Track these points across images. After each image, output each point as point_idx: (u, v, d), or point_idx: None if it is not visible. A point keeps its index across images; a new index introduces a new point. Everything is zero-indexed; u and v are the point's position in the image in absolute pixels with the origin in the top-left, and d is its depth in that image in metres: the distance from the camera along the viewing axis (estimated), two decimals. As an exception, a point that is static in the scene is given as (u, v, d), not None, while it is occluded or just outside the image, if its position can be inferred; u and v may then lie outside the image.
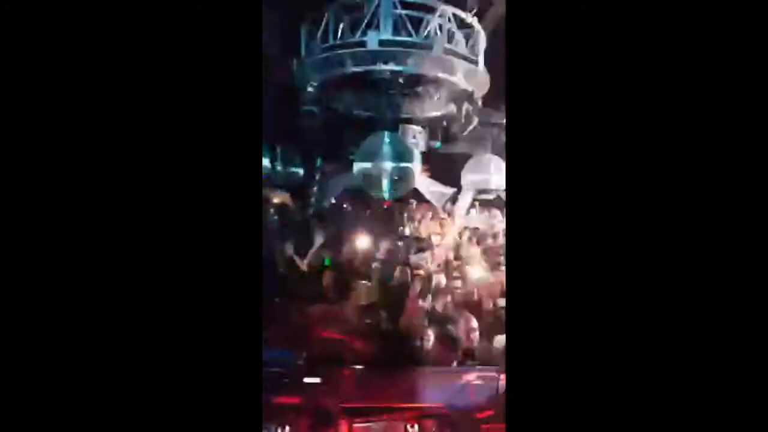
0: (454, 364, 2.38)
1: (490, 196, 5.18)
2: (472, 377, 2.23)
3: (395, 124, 4.60)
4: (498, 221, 5.18)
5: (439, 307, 3.08)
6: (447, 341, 2.50)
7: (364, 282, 3.35)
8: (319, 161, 5.65)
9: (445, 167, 5.36)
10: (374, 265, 3.97)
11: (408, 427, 1.78)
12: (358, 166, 4.26)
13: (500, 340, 2.70)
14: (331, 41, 3.89)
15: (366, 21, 3.74)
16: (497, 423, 1.91)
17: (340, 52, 3.87)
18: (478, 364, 2.28)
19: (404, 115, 4.87)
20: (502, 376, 2.22)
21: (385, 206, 5.60)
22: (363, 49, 3.79)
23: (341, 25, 3.87)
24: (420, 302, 2.96)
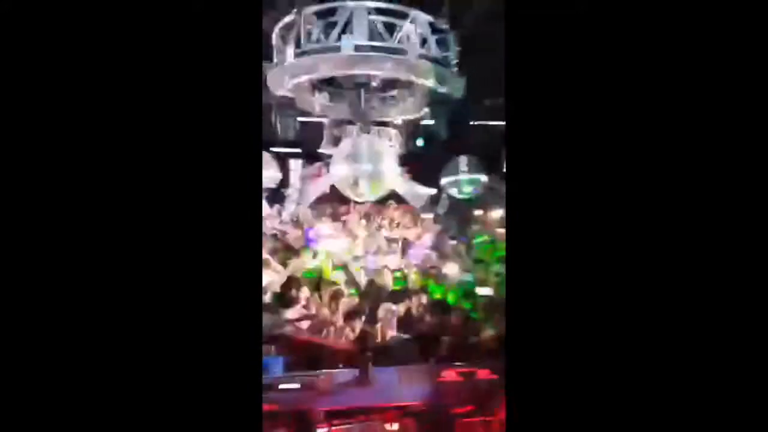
0: (433, 362, 2.43)
1: (468, 195, 5.29)
2: (450, 374, 2.27)
3: (371, 127, 4.64)
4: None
5: (414, 308, 3.14)
6: (424, 340, 2.54)
7: (341, 287, 3.37)
8: (296, 165, 5.63)
9: (423, 168, 5.44)
10: (352, 269, 3.99)
11: (387, 426, 1.81)
12: (335, 169, 4.27)
13: (485, 334, 2.76)
14: (304, 46, 3.90)
15: (341, 27, 3.77)
16: (476, 417, 1.96)
17: (314, 56, 3.88)
18: (458, 361, 2.33)
19: (380, 118, 4.91)
20: (480, 372, 2.28)
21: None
22: (338, 53, 3.81)
23: (315, 30, 3.88)
24: (395, 305, 3.00)
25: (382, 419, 1.84)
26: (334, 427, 1.75)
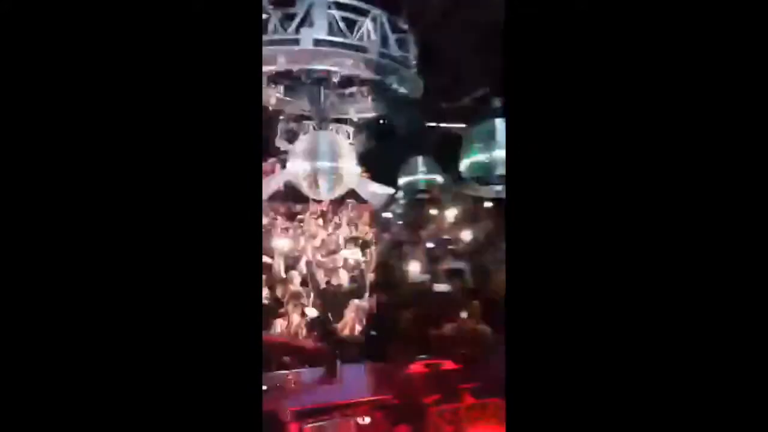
0: (402, 356, 2.45)
1: (425, 195, 5.42)
2: (416, 367, 2.31)
3: (329, 124, 4.56)
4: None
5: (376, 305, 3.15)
6: (393, 335, 2.55)
7: (299, 288, 3.28)
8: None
9: (381, 167, 5.47)
10: (315, 267, 3.90)
11: (359, 420, 1.79)
12: (292, 166, 4.13)
13: (447, 328, 2.84)
14: (262, 36, 3.73)
15: (300, 19, 3.66)
16: (443, 405, 2.01)
17: (272, 48, 3.72)
18: (425, 354, 2.37)
19: (338, 115, 4.85)
20: (445, 363, 2.34)
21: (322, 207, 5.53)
22: (297, 47, 3.69)
23: (272, 21, 3.73)
24: (359, 301, 2.99)
25: (354, 414, 1.82)
26: (306, 426, 1.70)
